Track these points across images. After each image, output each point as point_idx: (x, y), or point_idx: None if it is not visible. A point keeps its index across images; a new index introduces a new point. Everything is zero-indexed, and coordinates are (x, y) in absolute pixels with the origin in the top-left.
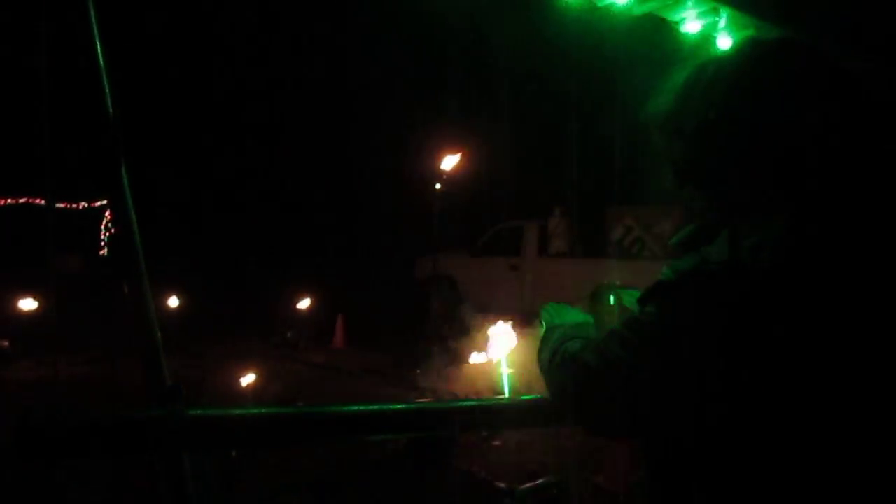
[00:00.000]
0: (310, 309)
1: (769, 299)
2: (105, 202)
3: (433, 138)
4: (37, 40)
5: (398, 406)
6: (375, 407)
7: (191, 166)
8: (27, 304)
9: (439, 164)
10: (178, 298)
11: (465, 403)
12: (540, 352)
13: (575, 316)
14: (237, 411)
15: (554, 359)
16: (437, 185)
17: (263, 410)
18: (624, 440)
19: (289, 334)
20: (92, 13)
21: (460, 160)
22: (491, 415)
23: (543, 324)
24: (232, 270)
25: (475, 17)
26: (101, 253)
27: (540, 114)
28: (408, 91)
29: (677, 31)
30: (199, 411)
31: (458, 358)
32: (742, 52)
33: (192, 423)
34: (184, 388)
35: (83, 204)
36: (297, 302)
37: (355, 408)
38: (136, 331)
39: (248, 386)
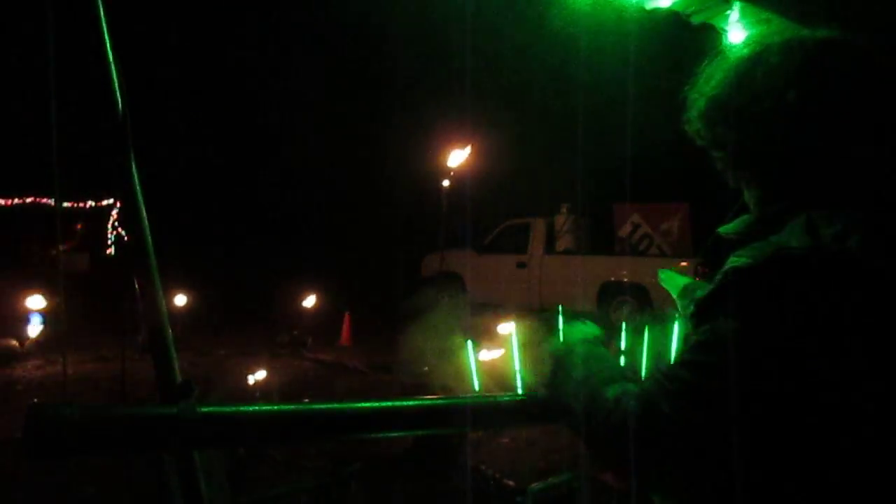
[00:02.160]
0: (316, 306)
1: (864, 284)
2: (112, 201)
3: (440, 135)
4: (45, 36)
5: (407, 402)
6: (387, 404)
7: (197, 164)
8: (35, 303)
9: (446, 161)
10: (186, 296)
11: (474, 401)
12: (561, 389)
13: (585, 330)
14: (248, 408)
15: (597, 411)
16: (445, 183)
17: (274, 407)
18: None
19: (295, 332)
20: (101, 8)
21: (468, 157)
22: (500, 412)
23: (553, 347)
24: (238, 268)
25: (483, 12)
26: (107, 252)
27: (548, 110)
28: (414, 88)
29: (688, 25)
30: (210, 408)
31: (466, 355)
32: (809, 40)
33: (203, 420)
34: (195, 385)
35: (90, 203)
36: (304, 299)
37: (365, 405)
38: (148, 328)
39: (256, 383)
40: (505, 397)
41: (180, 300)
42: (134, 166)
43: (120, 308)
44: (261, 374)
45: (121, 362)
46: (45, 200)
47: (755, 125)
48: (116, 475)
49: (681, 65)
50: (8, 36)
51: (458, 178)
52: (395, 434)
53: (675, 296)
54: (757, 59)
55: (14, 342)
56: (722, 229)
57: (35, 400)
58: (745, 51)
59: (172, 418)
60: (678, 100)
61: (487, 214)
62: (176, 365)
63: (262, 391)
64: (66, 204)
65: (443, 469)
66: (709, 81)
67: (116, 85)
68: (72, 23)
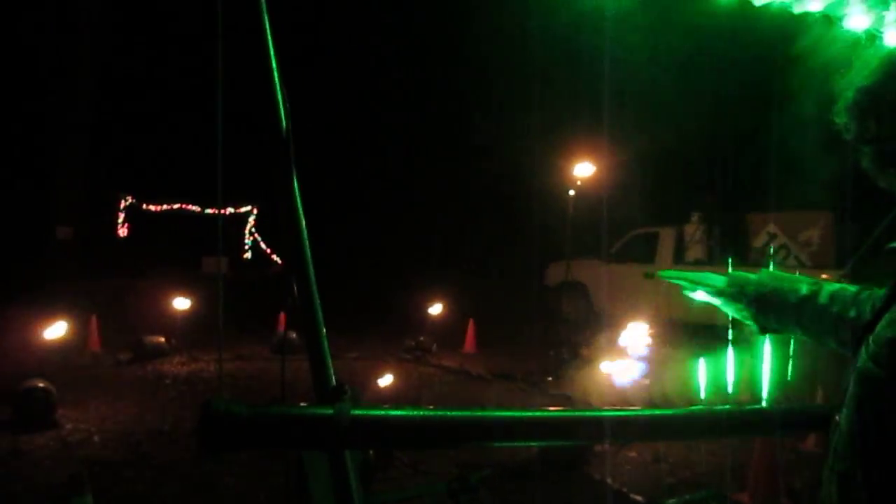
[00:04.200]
0: (441, 313)
1: None
2: (249, 208)
3: (568, 144)
4: (212, 55)
5: (549, 413)
6: (529, 413)
7: (323, 172)
8: (181, 304)
9: (573, 170)
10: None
11: (600, 414)
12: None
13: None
14: (396, 412)
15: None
16: (571, 191)
17: (421, 412)
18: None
19: (421, 338)
20: (267, 25)
21: (594, 165)
22: (627, 426)
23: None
24: (365, 275)
25: (612, 21)
26: (244, 256)
27: (678, 116)
28: (543, 97)
29: (839, 28)
30: (361, 411)
31: (590, 365)
32: None
33: (356, 422)
34: (348, 388)
35: (230, 210)
36: (430, 306)
37: (509, 414)
38: (305, 330)
39: (385, 387)
40: (632, 411)
41: None
42: (295, 179)
43: (269, 311)
44: (388, 379)
45: (280, 364)
46: (191, 207)
47: None
48: (253, 468)
49: (824, 67)
50: (177, 47)
51: (585, 185)
52: (539, 443)
53: (711, 297)
54: None
55: (163, 339)
56: None
57: (209, 396)
58: None
59: (329, 419)
60: (822, 101)
61: (615, 223)
62: (331, 368)
63: (391, 395)
64: (208, 210)
65: (567, 479)
66: (861, 70)
67: (282, 102)
68: (238, 35)
